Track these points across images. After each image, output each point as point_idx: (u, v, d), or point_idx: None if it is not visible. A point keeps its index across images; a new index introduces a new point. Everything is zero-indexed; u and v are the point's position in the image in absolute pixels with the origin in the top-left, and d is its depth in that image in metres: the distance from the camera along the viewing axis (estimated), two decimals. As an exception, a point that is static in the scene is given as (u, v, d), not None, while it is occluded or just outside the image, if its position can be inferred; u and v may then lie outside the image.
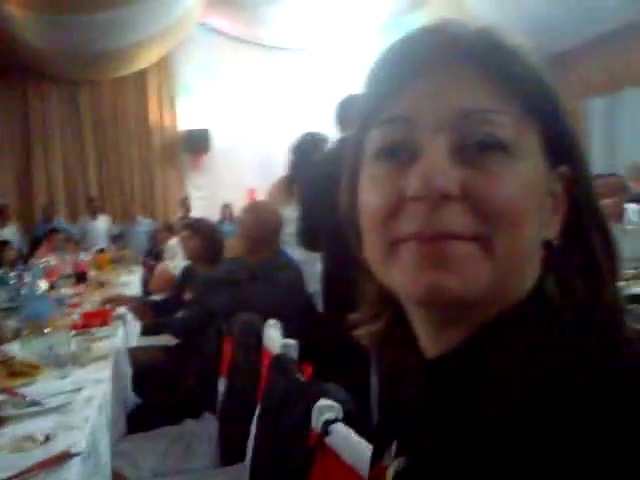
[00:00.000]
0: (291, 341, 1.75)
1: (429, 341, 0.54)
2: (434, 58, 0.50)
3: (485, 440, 0.45)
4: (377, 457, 0.63)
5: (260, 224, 2.65)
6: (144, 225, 8.65)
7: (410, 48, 0.52)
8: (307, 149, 3.44)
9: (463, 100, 0.49)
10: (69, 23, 6.69)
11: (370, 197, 0.52)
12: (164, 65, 9.36)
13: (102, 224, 8.48)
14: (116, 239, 8.00)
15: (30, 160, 8.88)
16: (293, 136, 3.64)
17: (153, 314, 3.09)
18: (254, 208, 2.84)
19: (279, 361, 1.71)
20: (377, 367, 2.35)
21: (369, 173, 0.53)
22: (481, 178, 0.47)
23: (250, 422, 1.88)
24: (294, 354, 1.74)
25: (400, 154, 0.50)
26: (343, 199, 0.58)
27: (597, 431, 0.40)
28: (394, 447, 0.59)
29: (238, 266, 2.62)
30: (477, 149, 0.48)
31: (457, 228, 0.47)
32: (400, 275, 0.49)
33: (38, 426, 1.63)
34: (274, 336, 1.93)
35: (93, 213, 8.54)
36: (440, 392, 0.52)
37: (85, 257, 4.49)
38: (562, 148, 0.52)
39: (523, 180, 0.48)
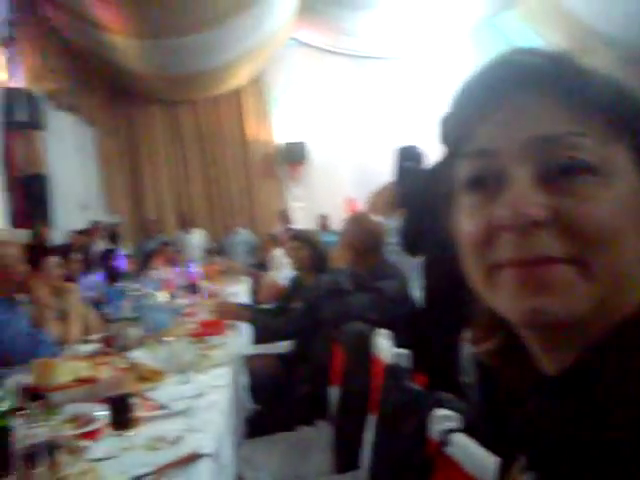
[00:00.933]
0: (403, 351, 1.78)
1: (544, 359, 0.55)
2: (511, 89, 0.52)
3: (613, 455, 0.46)
4: (504, 472, 0.64)
5: (364, 235, 2.69)
6: (243, 236, 8.86)
7: (488, 81, 0.54)
8: (411, 161, 3.48)
9: (543, 127, 0.50)
10: (167, 46, 7.02)
11: (464, 226, 0.54)
12: (258, 80, 9.62)
13: (196, 237, 8.71)
14: (211, 252, 8.14)
15: (139, 179, 9.38)
16: (388, 145, 3.68)
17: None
18: (357, 219, 2.89)
19: (393, 371, 1.73)
20: (492, 382, 2.32)
21: (461, 202, 0.55)
22: (570, 202, 0.48)
23: (362, 430, 1.91)
24: (407, 364, 1.76)
25: (487, 184, 0.52)
26: (443, 221, 0.61)
27: None
28: (522, 462, 0.59)
29: (344, 276, 2.67)
30: (562, 174, 0.48)
31: (552, 252, 0.47)
32: (502, 300, 0.51)
33: (167, 428, 1.75)
34: (385, 345, 1.95)
35: (186, 227, 8.82)
36: (565, 409, 0.52)
37: (195, 268, 4.71)
38: None
39: (614, 199, 0.48)
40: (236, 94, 9.56)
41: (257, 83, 9.63)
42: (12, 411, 1.54)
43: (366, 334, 2.16)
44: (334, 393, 2.34)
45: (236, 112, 9.74)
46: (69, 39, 7.34)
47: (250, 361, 2.89)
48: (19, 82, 6.20)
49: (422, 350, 2.15)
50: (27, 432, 1.54)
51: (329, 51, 9.68)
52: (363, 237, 2.65)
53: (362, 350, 2.14)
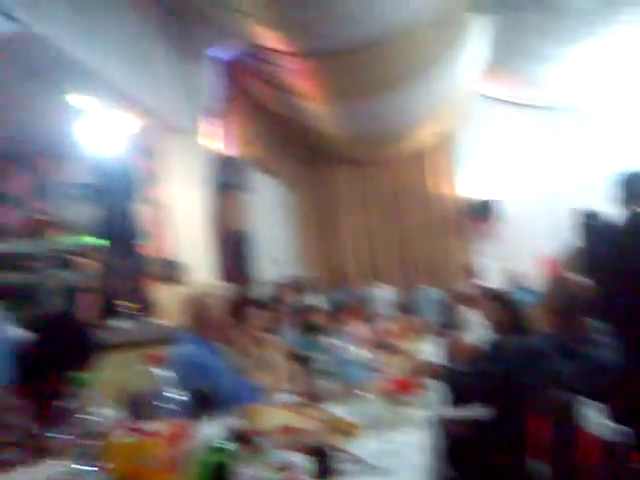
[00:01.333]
0: (621, 427, 1.63)
1: None
2: None
3: None
4: None
5: (568, 297, 2.56)
6: (429, 293, 8.80)
7: None
8: (597, 225, 3.32)
9: None
10: (357, 109, 7.31)
11: None
12: (444, 136, 9.60)
13: (384, 292, 8.78)
14: (398, 308, 8.17)
15: (329, 234, 9.82)
16: (581, 201, 3.53)
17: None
18: (561, 280, 2.75)
19: (609, 447, 1.60)
20: None
21: None
22: None
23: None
24: (624, 439, 1.62)
25: None
26: None
27: None
28: None
29: (546, 340, 2.54)
30: None
31: None
32: None
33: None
34: (595, 418, 1.81)
35: (373, 282, 8.99)
36: None
37: (385, 325, 4.77)
38: None
39: None
40: (423, 150, 9.67)
41: (444, 139, 9.67)
42: (226, 450, 1.68)
43: (572, 404, 2.02)
44: (534, 465, 2.20)
45: (422, 168, 9.85)
46: (270, 108, 8.07)
47: (444, 422, 2.82)
48: (230, 149, 6.94)
49: (637, 424, 1.96)
50: (237, 472, 1.67)
51: (517, 104, 9.47)
52: (567, 299, 2.51)
53: (568, 421, 2.00)
